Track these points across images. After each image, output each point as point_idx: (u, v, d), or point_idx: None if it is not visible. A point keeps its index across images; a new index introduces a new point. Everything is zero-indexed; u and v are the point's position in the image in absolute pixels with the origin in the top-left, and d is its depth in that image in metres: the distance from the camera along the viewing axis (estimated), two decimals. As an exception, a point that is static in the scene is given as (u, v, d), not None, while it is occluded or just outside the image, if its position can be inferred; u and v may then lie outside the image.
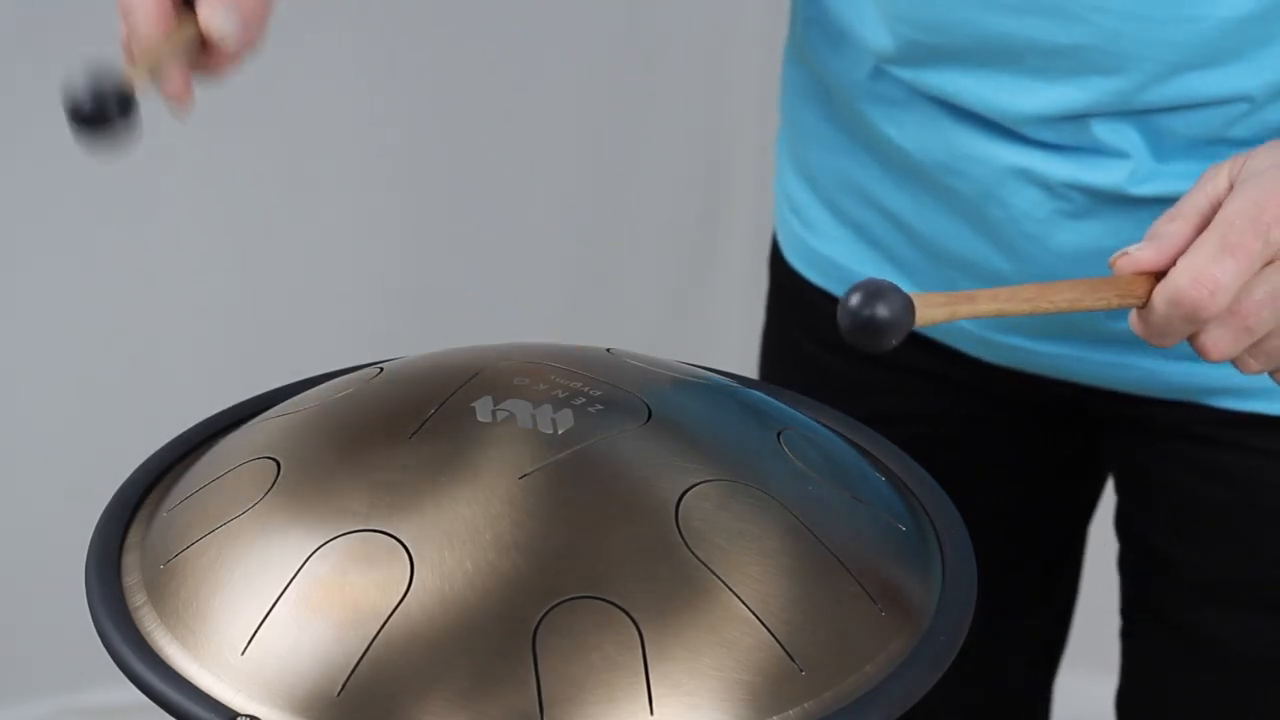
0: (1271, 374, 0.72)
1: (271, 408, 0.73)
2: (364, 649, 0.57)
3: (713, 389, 0.73)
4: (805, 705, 0.58)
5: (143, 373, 1.73)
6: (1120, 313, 0.89)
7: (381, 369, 0.72)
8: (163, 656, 0.60)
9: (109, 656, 0.61)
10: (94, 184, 1.65)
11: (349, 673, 0.57)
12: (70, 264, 1.67)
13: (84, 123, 0.71)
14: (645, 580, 0.59)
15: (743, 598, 0.59)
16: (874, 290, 0.62)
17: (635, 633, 0.57)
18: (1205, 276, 0.67)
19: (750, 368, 1.13)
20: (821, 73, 0.95)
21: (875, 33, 0.88)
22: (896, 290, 0.63)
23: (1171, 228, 0.70)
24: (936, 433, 1.00)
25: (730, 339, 1.83)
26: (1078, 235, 0.88)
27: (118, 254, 1.69)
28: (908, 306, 0.63)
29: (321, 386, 0.73)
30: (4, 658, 1.79)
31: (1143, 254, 0.70)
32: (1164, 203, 0.85)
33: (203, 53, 0.76)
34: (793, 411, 0.73)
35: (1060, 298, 0.69)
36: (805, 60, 0.97)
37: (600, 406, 0.66)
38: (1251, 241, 0.67)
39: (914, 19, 0.86)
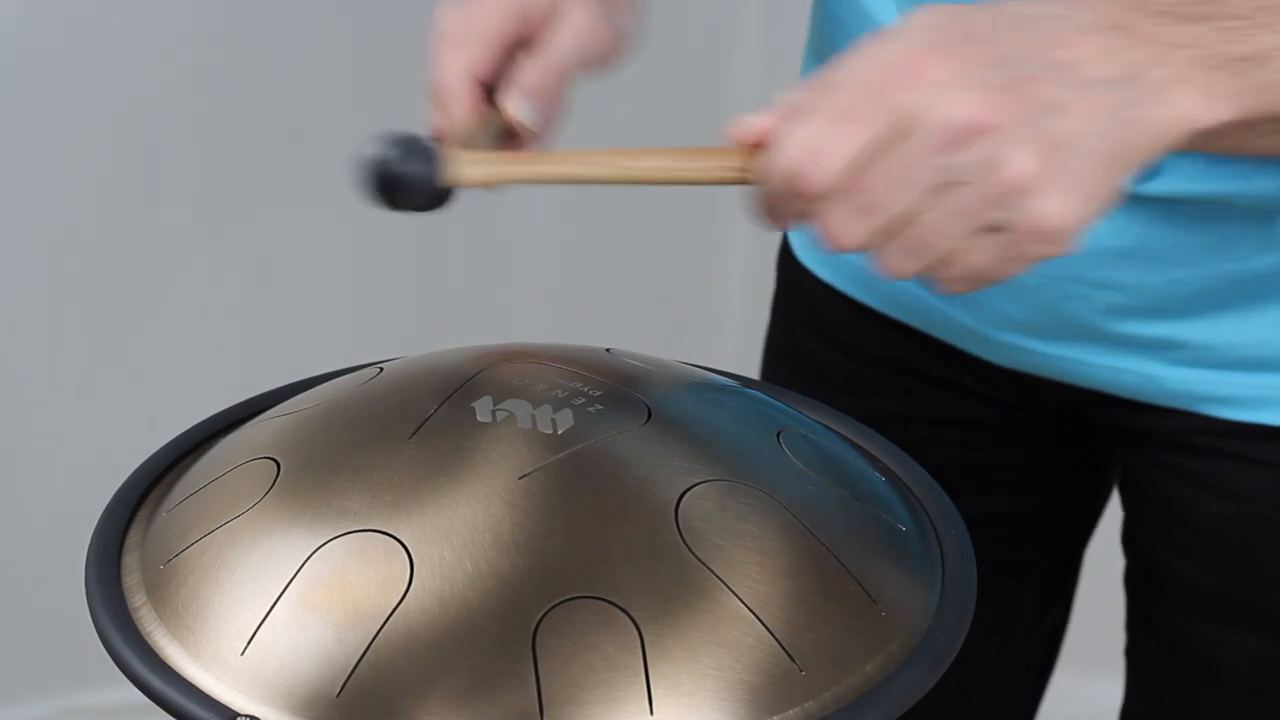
0: (941, 279, 0.62)
1: (271, 408, 0.73)
2: (364, 649, 0.57)
3: (713, 389, 0.73)
4: (805, 705, 0.58)
5: (143, 373, 1.73)
6: (1118, 314, 0.89)
7: (381, 369, 0.72)
8: (163, 656, 0.60)
9: (109, 656, 0.61)
10: (94, 184, 1.65)
11: (349, 673, 0.57)
12: (70, 264, 1.67)
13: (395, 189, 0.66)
14: (645, 580, 0.59)
15: (742, 597, 0.59)
16: (399, 144, 0.57)
17: (635, 633, 0.57)
18: (811, 146, 0.58)
19: (750, 368, 1.13)
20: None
21: (889, 18, 0.88)
22: (423, 146, 0.57)
23: (785, 96, 0.62)
24: (937, 435, 1.00)
25: (730, 339, 1.83)
26: (1085, 233, 0.87)
27: (118, 254, 1.69)
28: (433, 161, 0.57)
29: (321, 386, 0.73)
30: (4, 658, 1.79)
31: (754, 119, 0.62)
32: (1172, 202, 0.85)
33: (508, 140, 0.79)
34: (793, 411, 0.73)
35: (649, 164, 0.61)
36: (824, 56, 0.97)
37: (600, 406, 0.66)
38: (866, 107, 0.58)
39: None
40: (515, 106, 0.78)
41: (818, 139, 0.59)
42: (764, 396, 0.74)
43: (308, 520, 0.61)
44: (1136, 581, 1.04)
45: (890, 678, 0.60)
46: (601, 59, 0.83)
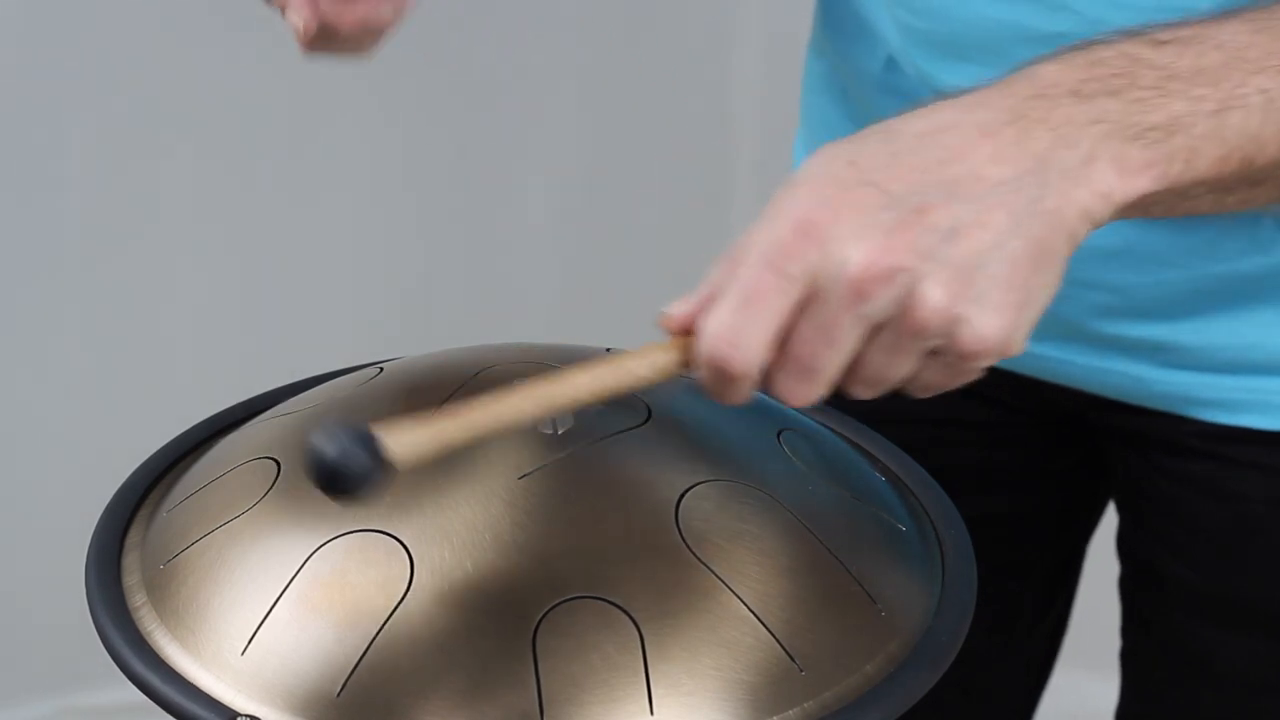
0: (910, 389, 0.62)
1: (271, 408, 0.73)
2: (364, 649, 0.57)
3: (713, 389, 0.73)
4: (805, 705, 0.58)
5: (143, 373, 1.73)
6: (1107, 314, 0.89)
7: (381, 369, 0.72)
8: (163, 656, 0.60)
9: (109, 656, 0.61)
10: (94, 183, 1.65)
11: (349, 673, 0.57)
12: (70, 264, 1.67)
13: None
14: (645, 580, 0.59)
15: (742, 597, 0.59)
16: (336, 443, 0.54)
17: (635, 633, 0.57)
18: (727, 334, 0.58)
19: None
20: (839, 65, 0.95)
21: (882, 19, 0.88)
22: (363, 440, 0.55)
23: (709, 275, 0.62)
24: (937, 436, 1.00)
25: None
26: None
27: (118, 254, 1.69)
28: (377, 456, 0.55)
29: (321, 386, 0.73)
30: (4, 658, 1.79)
31: (675, 311, 0.62)
32: None
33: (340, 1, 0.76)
34: (793, 411, 0.73)
35: (584, 384, 0.60)
36: (825, 54, 0.97)
37: (600, 407, 0.66)
38: (770, 282, 0.58)
39: (907, 2, 0.86)
40: None
41: (731, 326, 0.59)
42: (764, 396, 0.74)
43: (308, 520, 0.61)
44: (1132, 584, 1.04)
45: (890, 678, 0.60)
46: None
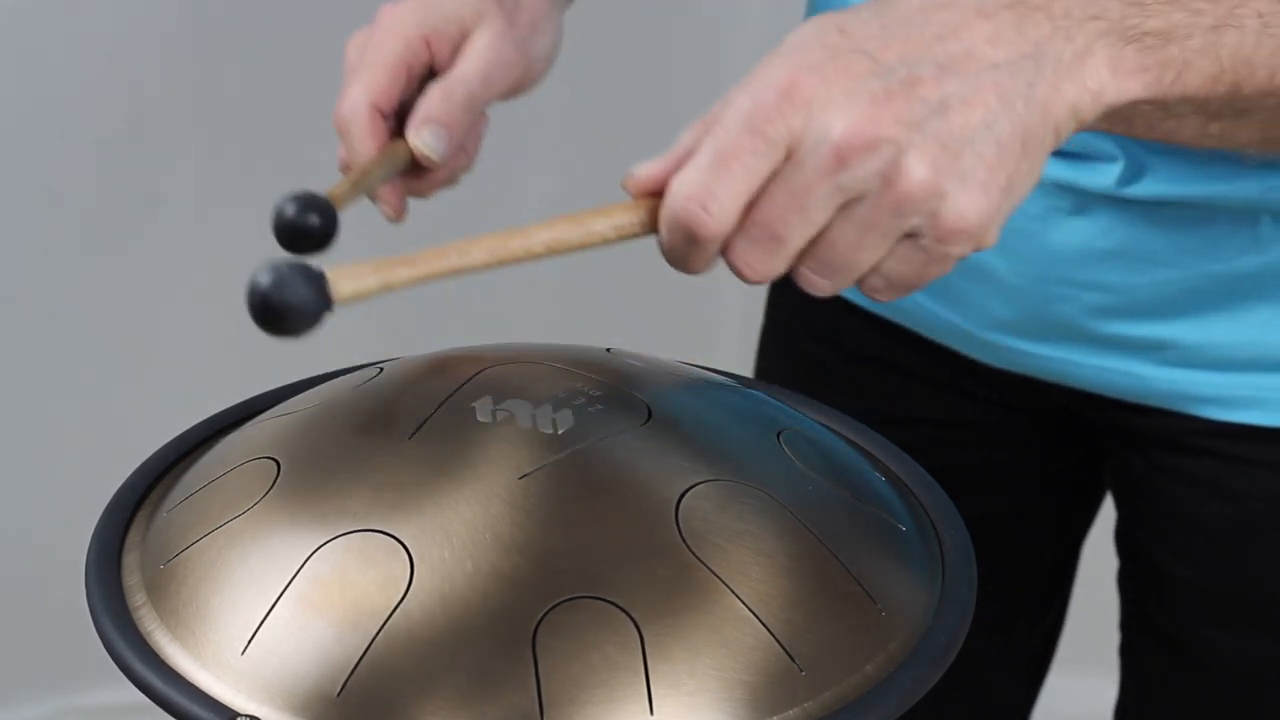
0: (871, 282, 0.60)
1: (271, 408, 0.73)
2: (364, 649, 0.57)
3: (713, 389, 0.73)
4: (805, 705, 0.58)
5: (143, 372, 1.73)
6: (1105, 314, 0.89)
7: (381, 369, 0.72)
8: (163, 656, 0.60)
9: (109, 656, 0.61)
10: (94, 183, 1.65)
11: (349, 673, 0.57)
12: (69, 263, 1.67)
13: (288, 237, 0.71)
14: (645, 580, 0.59)
15: (743, 598, 0.59)
16: (281, 275, 0.55)
17: (635, 633, 0.57)
18: (698, 193, 0.57)
19: (750, 368, 1.13)
20: None
21: None
22: (303, 272, 0.55)
23: (682, 137, 0.60)
24: (936, 436, 1.00)
25: (730, 339, 1.82)
26: (1072, 234, 0.88)
27: (118, 254, 1.69)
28: (319, 287, 0.55)
29: (321, 386, 0.73)
30: (4, 658, 1.79)
31: (643, 171, 0.60)
32: (1157, 204, 0.85)
33: (415, 172, 0.78)
34: (793, 411, 0.73)
35: (541, 237, 0.59)
36: None
37: (600, 406, 0.66)
38: (747, 144, 0.56)
39: None
40: (417, 136, 0.76)
41: (703, 185, 0.57)
42: (764, 396, 0.74)
43: (308, 520, 0.61)
44: (1131, 581, 1.04)
45: (890, 678, 0.60)
46: (510, 84, 0.80)
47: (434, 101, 0.76)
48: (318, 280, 0.55)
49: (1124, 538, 1.03)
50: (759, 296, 1.13)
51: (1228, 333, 0.88)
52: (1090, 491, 1.07)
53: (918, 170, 0.56)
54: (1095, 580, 1.12)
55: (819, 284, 0.60)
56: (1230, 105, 0.64)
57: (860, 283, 0.60)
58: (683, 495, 0.62)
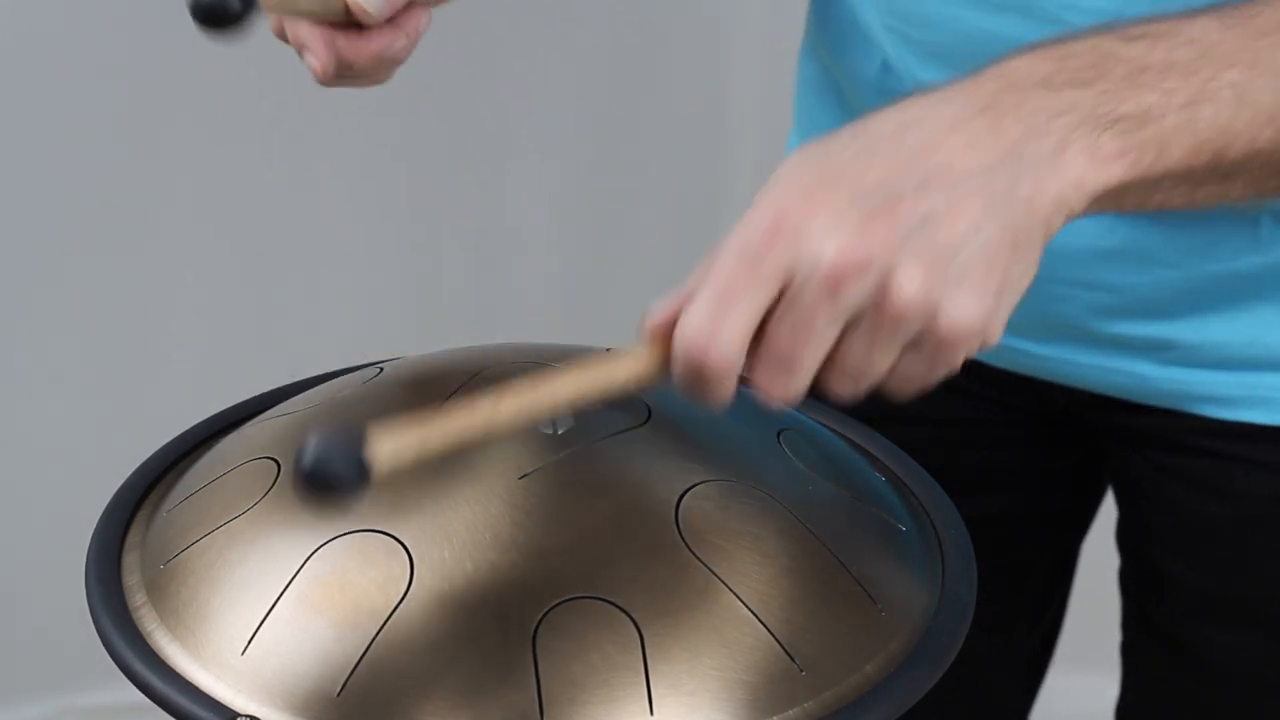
0: (890, 384, 0.62)
1: (271, 408, 0.73)
2: (364, 649, 0.57)
3: (713, 389, 0.73)
4: (805, 705, 0.58)
5: (143, 373, 1.73)
6: (1106, 314, 0.89)
7: (381, 369, 0.72)
8: (163, 656, 0.60)
9: (109, 656, 0.61)
10: (95, 183, 1.65)
11: (349, 673, 0.57)
12: (70, 263, 1.67)
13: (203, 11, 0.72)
14: (645, 580, 0.59)
15: (743, 598, 0.59)
16: (327, 447, 0.55)
17: (635, 633, 0.57)
18: (702, 332, 0.58)
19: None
20: (834, 69, 0.95)
21: (876, 26, 0.89)
22: (349, 443, 0.55)
23: (691, 278, 0.62)
24: (935, 435, 1.00)
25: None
26: (1075, 235, 0.87)
27: (119, 254, 1.69)
28: (360, 463, 0.55)
29: (321, 386, 0.73)
30: (4, 658, 1.79)
31: (657, 313, 0.61)
32: None
33: (348, 30, 0.77)
34: (793, 411, 0.73)
35: (565, 387, 0.60)
36: (819, 57, 0.97)
37: (600, 406, 0.66)
38: (744, 278, 0.58)
39: (900, 12, 0.86)
40: None
41: (705, 324, 0.58)
42: (764, 396, 0.74)
43: (308, 520, 0.61)
44: (1132, 581, 1.04)
45: (890, 678, 0.60)
46: None
47: None
48: (359, 451, 0.55)
49: (1124, 537, 1.03)
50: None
51: (1228, 332, 0.88)
52: (1090, 491, 1.07)
53: (908, 287, 0.58)
54: (1096, 580, 1.12)
55: (842, 392, 0.61)
56: (1215, 173, 0.65)
57: (880, 386, 0.62)
58: (683, 495, 0.62)
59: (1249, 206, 0.84)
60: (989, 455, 1.02)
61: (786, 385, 0.60)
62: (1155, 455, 0.95)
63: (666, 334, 0.60)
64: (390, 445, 0.56)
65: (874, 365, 0.60)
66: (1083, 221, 0.87)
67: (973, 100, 0.61)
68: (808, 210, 0.58)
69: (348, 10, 0.77)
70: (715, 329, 0.58)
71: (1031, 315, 0.91)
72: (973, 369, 0.97)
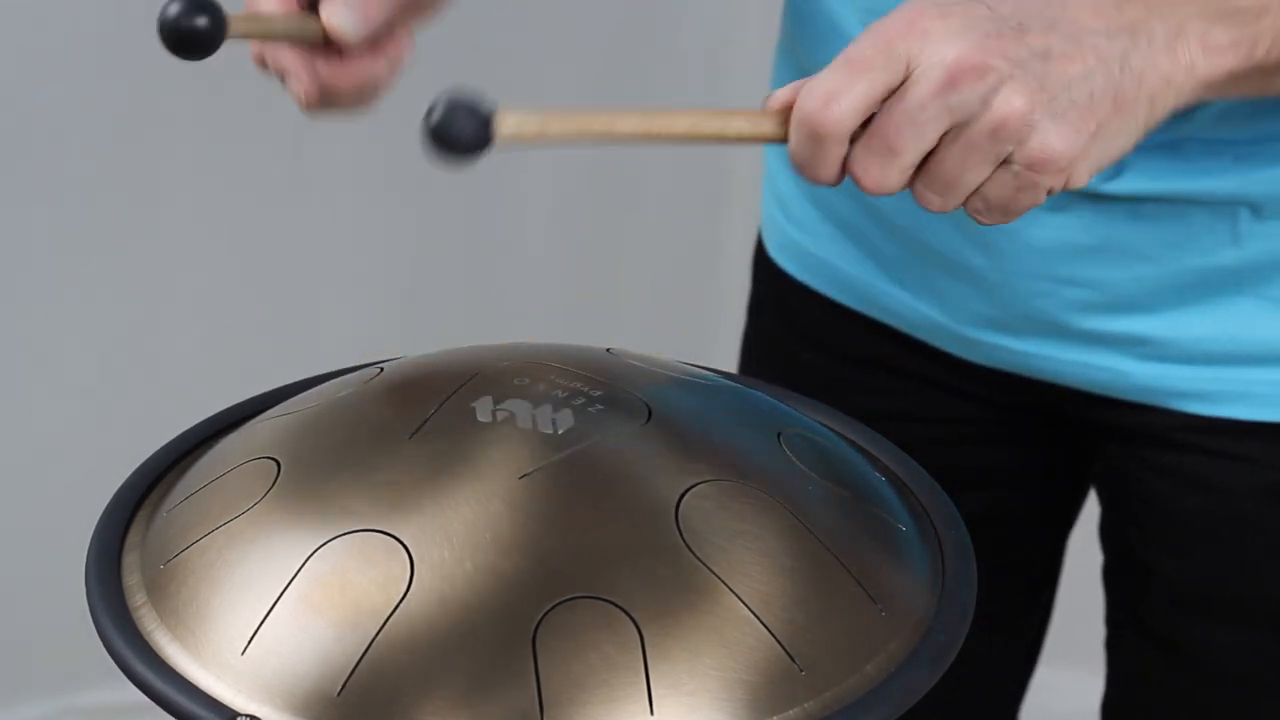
0: (977, 203, 0.67)
1: (271, 408, 0.73)
2: (364, 649, 0.57)
3: (713, 389, 0.73)
4: (805, 705, 0.58)
5: (143, 373, 1.73)
6: (1086, 310, 0.89)
7: (381, 369, 0.72)
8: (163, 656, 0.60)
9: (109, 656, 0.61)
10: (96, 183, 1.65)
11: (349, 673, 0.57)
12: (71, 263, 1.67)
13: (174, 30, 0.75)
14: (645, 580, 0.59)
15: (743, 598, 0.59)
16: (455, 104, 0.61)
17: (635, 633, 0.57)
18: (825, 92, 0.64)
19: (750, 368, 1.13)
20: (808, 66, 0.95)
21: (850, 22, 0.89)
22: (477, 106, 0.61)
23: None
24: (919, 433, 1.00)
25: (730, 339, 1.83)
26: (1053, 230, 0.88)
27: (118, 254, 1.69)
28: (487, 122, 0.62)
29: (321, 386, 0.73)
30: (4, 658, 1.79)
31: (781, 91, 0.67)
32: (1136, 200, 0.85)
33: (327, 54, 0.77)
34: (793, 411, 0.73)
35: (682, 122, 0.66)
36: (795, 55, 0.97)
37: (600, 406, 0.66)
38: (874, 56, 0.64)
39: (876, 9, 0.86)
40: (332, 14, 0.77)
41: (831, 87, 0.63)
42: (764, 396, 0.74)
43: (308, 520, 0.61)
44: (1116, 576, 1.04)
45: (890, 678, 0.60)
46: None
47: None
48: (485, 115, 0.61)
49: (1108, 533, 1.03)
50: (759, 297, 1.13)
51: (1207, 327, 0.88)
52: (1075, 486, 1.07)
53: (1015, 100, 0.63)
54: (1082, 576, 1.12)
55: (931, 200, 0.66)
56: None
57: (965, 204, 0.66)
58: (683, 495, 0.62)
59: (1227, 200, 0.84)
60: (971, 452, 1.02)
61: (882, 173, 0.65)
62: (1136, 450, 0.95)
63: (789, 106, 0.65)
64: (516, 117, 0.62)
65: (966, 176, 0.65)
66: (1062, 218, 0.87)
67: None
68: (943, 17, 0.64)
69: (325, 34, 0.77)
70: (838, 91, 0.63)
71: (1011, 311, 0.91)
72: (955, 365, 0.97)
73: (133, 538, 0.67)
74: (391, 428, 0.65)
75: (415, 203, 1.76)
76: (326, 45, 0.78)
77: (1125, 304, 0.89)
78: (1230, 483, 0.92)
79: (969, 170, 0.65)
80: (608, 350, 0.74)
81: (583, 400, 0.66)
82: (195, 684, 0.58)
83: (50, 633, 1.70)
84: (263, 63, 0.79)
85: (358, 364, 0.75)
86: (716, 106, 0.68)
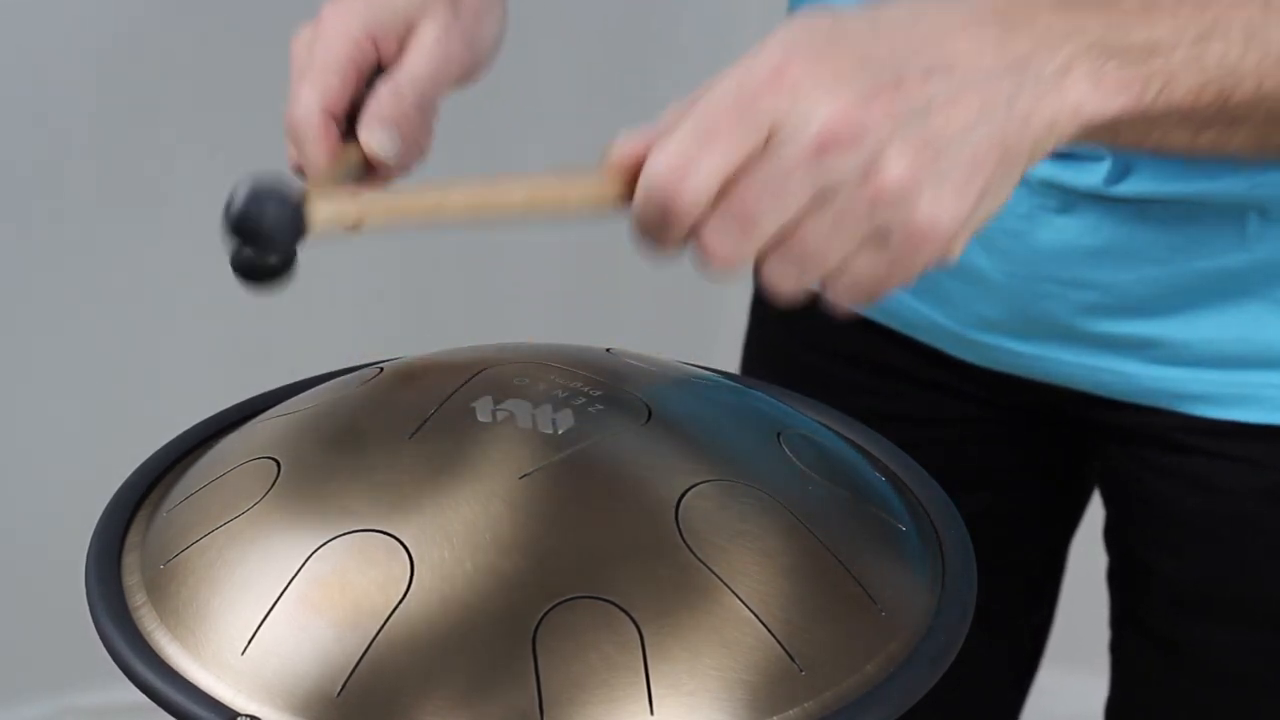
0: (835, 281, 0.59)
1: (271, 408, 0.73)
2: (364, 649, 0.57)
3: (713, 389, 0.73)
4: (805, 705, 0.58)
5: (143, 373, 1.73)
6: (1093, 313, 0.89)
7: (381, 369, 0.72)
8: (163, 656, 0.60)
9: (109, 656, 0.61)
10: (97, 185, 1.65)
11: (349, 673, 0.57)
12: (71, 264, 1.67)
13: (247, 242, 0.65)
14: (645, 580, 0.59)
15: (743, 598, 0.59)
16: (259, 191, 0.53)
17: (635, 633, 0.57)
18: (678, 164, 0.56)
19: (750, 368, 1.13)
20: None
21: None
22: (283, 191, 0.53)
23: (665, 115, 0.59)
24: (920, 435, 1.00)
25: (730, 339, 1.83)
26: (1059, 232, 0.88)
27: (118, 253, 1.69)
28: (296, 209, 0.53)
29: (321, 386, 0.73)
30: (4, 658, 1.79)
31: (624, 145, 0.59)
32: (1143, 202, 0.85)
33: (370, 174, 0.76)
34: (793, 411, 0.73)
35: (518, 194, 0.58)
36: None
37: (600, 406, 0.66)
38: (731, 121, 0.56)
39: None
40: (370, 136, 0.74)
41: (683, 157, 0.56)
42: (764, 396, 0.74)
43: (308, 520, 0.61)
44: (1120, 578, 1.04)
45: (890, 678, 0.60)
46: (458, 75, 0.80)
47: (384, 101, 0.75)
48: (295, 202, 0.53)
49: (1112, 535, 1.03)
50: (759, 297, 1.13)
51: (1215, 330, 0.88)
52: (1079, 488, 1.08)
53: (896, 166, 0.56)
54: (1086, 577, 1.12)
55: (785, 277, 0.59)
56: (1220, 115, 0.64)
57: (823, 283, 0.59)
58: (683, 495, 0.62)
59: (1235, 202, 0.84)
60: (975, 453, 1.02)
61: (736, 246, 0.57)
62: (1142, 452, 0.95)
63: (633, 165, 0.58)
64: (330, 206, 0.53)
65: (830, 251, 0.58)
66: (1069, 220, 0.87)
67: (986, 6, 0.60)
68: (811, 68, 0.57)
69: (366, 159, 0.76)
70: (690, 166, 0.56)
71: (1018, 314, 0.91)
72: (959, 368, 0.97)
73: (133, 538, 0.67)
74: (391, 428, 0.65)
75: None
76: (368, 166, 0.76)
77: (1133, 306, 0.88)
78: (1231, 484, 0.92)
79: (836, 244, 0.57)
80: (608, 350, 0.74)
81: (583, 400, 0.66)
82: (195, 684, 0.58)
83: (50, 633, 1.70)
84: (300, 171, 0.78)
85: (358, 364, 0.75)
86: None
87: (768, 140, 0.56)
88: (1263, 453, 0.91)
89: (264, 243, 0.53)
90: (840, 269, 0.58)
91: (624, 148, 0.59)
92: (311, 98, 0.75)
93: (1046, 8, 0.61)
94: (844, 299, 0.60)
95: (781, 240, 0.58)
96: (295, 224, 0.53)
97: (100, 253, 1.68)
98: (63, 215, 1.66)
